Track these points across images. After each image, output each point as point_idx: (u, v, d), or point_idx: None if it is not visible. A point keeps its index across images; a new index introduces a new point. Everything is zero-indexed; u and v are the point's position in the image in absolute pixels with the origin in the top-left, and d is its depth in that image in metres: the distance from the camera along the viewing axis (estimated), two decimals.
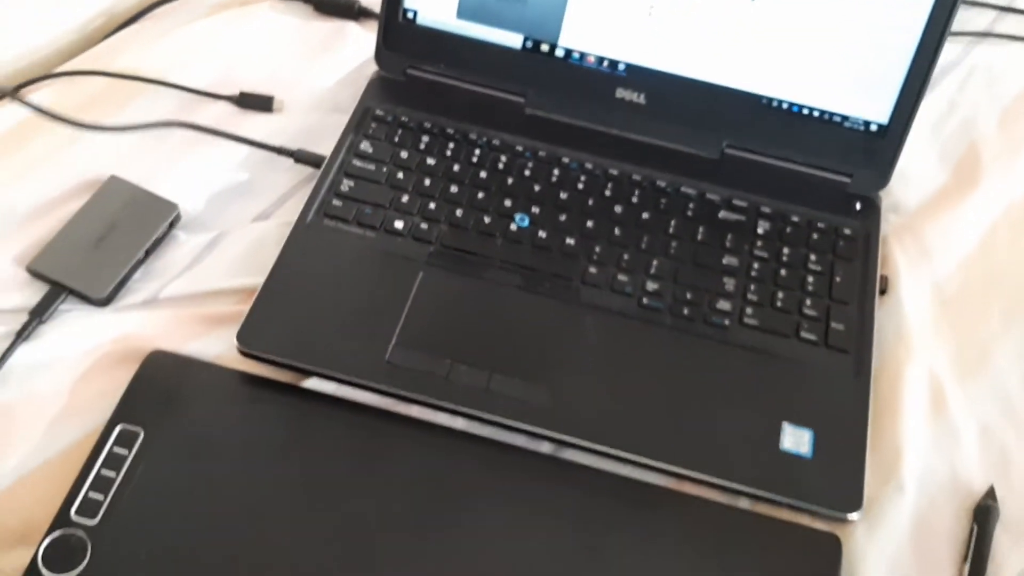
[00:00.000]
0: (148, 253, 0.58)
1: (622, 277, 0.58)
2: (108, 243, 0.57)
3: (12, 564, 0.47)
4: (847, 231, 0.62)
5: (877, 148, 0.63)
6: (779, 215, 0.62)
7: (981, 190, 0.66)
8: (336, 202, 0.60)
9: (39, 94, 0.67)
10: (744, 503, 0.52)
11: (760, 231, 0.61)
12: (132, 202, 0.59)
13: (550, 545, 0.49)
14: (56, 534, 0.47)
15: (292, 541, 0.48)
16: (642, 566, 0.49)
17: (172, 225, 0.59)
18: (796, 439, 0.53)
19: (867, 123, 0.63)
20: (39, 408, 0.52)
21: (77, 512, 0.48)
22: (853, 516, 0.51)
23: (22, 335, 0.54)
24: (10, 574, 0.46)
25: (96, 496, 0.48)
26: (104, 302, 0.56)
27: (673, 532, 0.50)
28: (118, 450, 0.50)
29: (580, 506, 0.51)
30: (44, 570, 0.46)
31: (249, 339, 0.54)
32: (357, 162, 0.62)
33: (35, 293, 0.56)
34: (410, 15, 0.65)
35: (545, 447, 0.53)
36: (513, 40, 0.65)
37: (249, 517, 0.49)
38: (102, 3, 0.74)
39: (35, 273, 0.56)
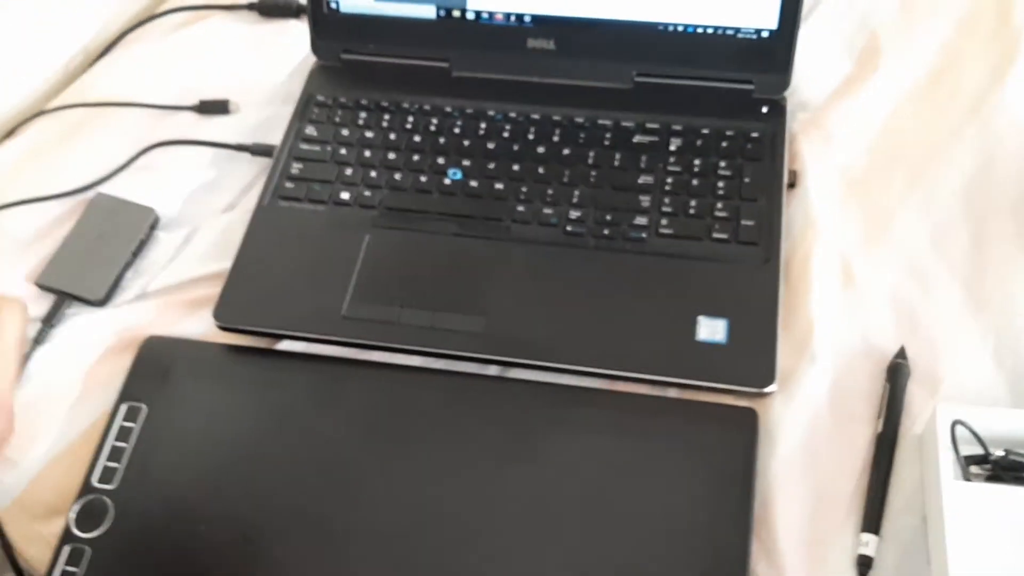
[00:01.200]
0: (135, 255, 0.66)
1: (547, 211, 0.64)
2: (100, 251, 0.66)
3: (51, 530, 0.56)
4: (754, 134, 0.67)
5: (772, 52, 0.67)
6: (690, 130, 0.67)
7: (881, 73, 0.69)
8: (288, 184, 0.67)
9: (32, 132, 0.75)
10: (673, 393, 0.58)
11: (672, 148, 0.67)
12: (116, 213, 0.67)
13: (503, 452, 0.56)
14: (83, 500, 0.56)
15: (283, 479, 0.56)
16: (581, 459, 0.55)
17: (153, 227, 0.67)
18: (711, 329, 0.58)
19: (758, 31, 0.67)
20: (58, 399, 0.61)
21: (99, 480, 0.57)
22: (769, 389, 0.56)
23: (38, 341, 0.63)
24: (50, 538, 0.55)
25: (112, 465, 0.57)
26: (102, 302, 0.64)
27: (609, 426, 0.56)
28: (127, 424, 0.59)
29: (525, 415, 0.57)
30: (77, 531, 0.55)
31: (224, 315, 0.62)
32: (304, 145, 0.69)
33: (44, 303, 0.65)
34: (334, 5, 0.72)
35: (492, 370, 0.60)
36: (427, 12, 0.71)
37: (244, 464, 0.57)
38: (77, 43, 0.82)
39: (42, 286, 0.65)
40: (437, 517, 0.54)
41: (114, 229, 0.66)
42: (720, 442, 0.55)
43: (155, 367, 0.61)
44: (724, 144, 0.66)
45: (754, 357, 0.57)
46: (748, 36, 0.67)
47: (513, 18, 0.70)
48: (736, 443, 0.55)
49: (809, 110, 0.69)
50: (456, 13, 0.70)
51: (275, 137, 0.72)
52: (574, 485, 0.54)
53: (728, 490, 0.53)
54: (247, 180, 0.71)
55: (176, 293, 0.65)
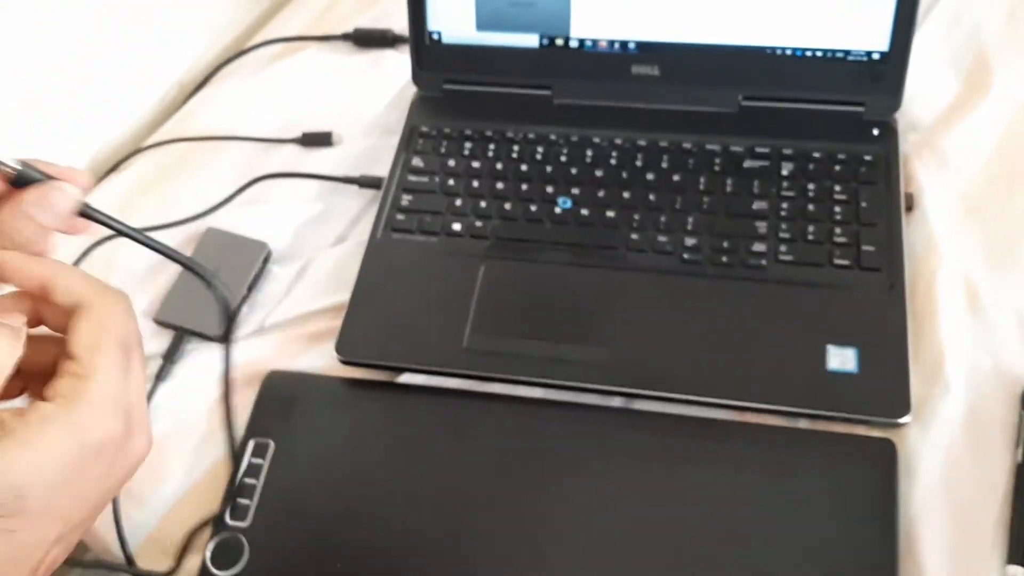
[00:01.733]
0: (250, 289, 0.67)
1: (662, 238, 0.64)
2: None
3: (187, 569, 0.56)
4: (867, 157, 0.66)
5: (883, 74, 0.67)
6: (801, 154, 0.67)
7: (992, 93, 0.69)
8: (399, 216, 0.68)
9: (135, 167, 0.76)
10: (803, 424, 0.57)
11: (785, 172, 0.66)
12: (229, 247, 0.68)
13: (632, 486, 0.56)
14: (217, 538, 0.56)
15: (415, 513, 0.56)
16: (718, 492, 0.55)
17: (266, 261, 0.68)
18: (841, 358, 0.58)
19: (869, 53, 0.66)
20: (184, 436, 0.62)
21: (231, 517, 0.57)
22: (904, 420, 0.56)
23: (160, 377, 0.64)
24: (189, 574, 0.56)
25: (244, 501, 0.58)
26: (221, 338, 0.65)
27: (741, 459, 0.56)
28: (255, 460, 0.59)
29: (654, 448, 0.57)
30: (214, 569, 0.55)
31: (346, 349, 0.62)
32: (412, 177, 0.70)
33: (163, 340, 0.65)
34: (435, 36, 0.72)
35: (616, 402, 0.60)
36: (530, 41, 0.71)
37: (376, 499, 0.57)
38: (171, 76, 0.83)
39: (160, 323, 0.66)
40: (573, 551, 0.54)
41: (228, 263, 0.67)
42: (860, 475, 0.54)
43: (279, 402, 0.61)
44: (837, 168, 0.66)
45: (887, 386, 0.57)
46: (859, 58, 0.67)
47: (617, 45, 0.70)
48: (876, 476, 0.54)
49: (920, 131, 0.69)
50: (559, 41, 0.71)
51: (378, 168, 0.72)
52: (712, 519, 0.54)
53: (872, 524, 0.53)
54: (355, 212, 0.71)
55: (294, 327, 0.65)
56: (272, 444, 0.60)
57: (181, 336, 0.65)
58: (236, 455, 0.59)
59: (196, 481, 0.60)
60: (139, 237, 0.46)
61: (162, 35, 0.81)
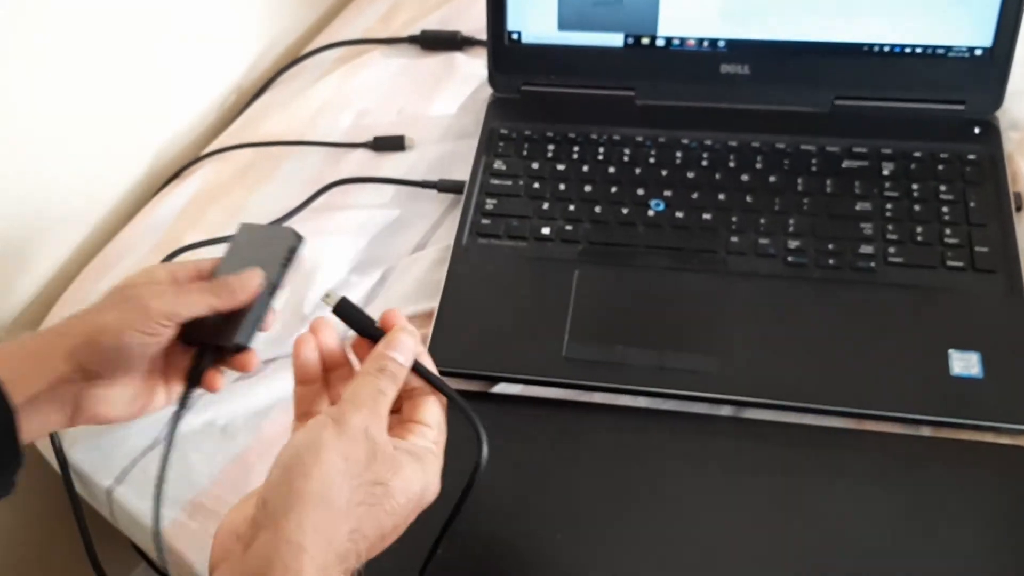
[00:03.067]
0: (280, 277, 0.55)
1: (763, 241, 0.62)
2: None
3: None
4: (971, 156, 0.64)
5: (985, 71, 0.65)
6: (901, 154, 0.65)
7: None
8: (485, 221, 0.65)
9: (198, 174, 0.74)
10: (926, 431, 0.55)
11: (886, 172, 0.64)
12: (261, 239, 0.56)
13: (747, 500, 0.53)
14: None
15: (517, 529, 0.53)
16: (842, 505, 0.52)
17: (294, 250, 0.56)
18: (965, 363, 0.55)
19: (971, 49, 0.64)
20: (268, 451, 0.58)
21: None
22: None
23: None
24: None
25: None
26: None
27: (863, 469, 0.53)
28: None
29: (769, 459, 0.54)
30: None
31: (438, 357, 0.58)
32: (495, 180, 0.67)
33: None
34: (515, 36, 0.70)
35: (725, 410, 0.57)
36: (615, 40, 0.69)
37: (474, 513, 0.53)
38: (230, 80, 0.81)
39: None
40: (686, 570, 0.51)
41: (259, 255, 0.55)
42: (995, 486, 0.52)
43: None
44: (941, 168, 0.64)
45: (1015, 392, 0.54)
46: (961, 55, 0.65)
47: (706, 43, 0.68)
48: (1013, 486, 0.52)
49: (1021, 129, 0.66)
50: (645, 40, 0.68)
51: (455, 172, 0.70)
52: (836, 534, 0.51)
53: (1013, 537, 0.50)
54: (434, 217, 0.68)
55: None
56: None
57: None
58: None
59: None
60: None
61: (218, 40, 0.79)
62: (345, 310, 0.49)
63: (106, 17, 0.68)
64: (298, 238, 0.56)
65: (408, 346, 0.47)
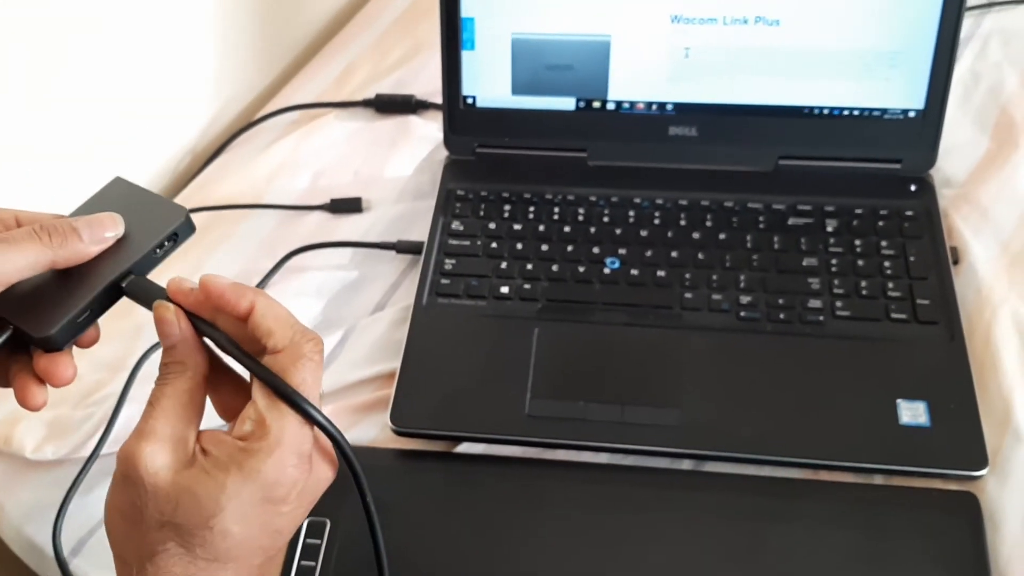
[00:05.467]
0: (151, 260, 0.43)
1: (716, 296, 0.63)
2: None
3: None
4: (909, 212, 0.67)
5: (919, 131, 0.68)
6: (843, 211, 0.67)
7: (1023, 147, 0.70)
8: (444, 280, 0.66)
9: None
10: (878, 479, 0.56)
11: (829, 228, 0.66)
12: (139, 205, 0.44)
13: (709, 550, 0.54)
14: None
15: None
16: (799, 554, 0.53)
17: (178, 234, 0.44)
18: (913, 412, 0.57)
19: (905, 111, 0.68)
20: None
21: None
22: (982, 472, 0.55)
23: None
24: None
25: None
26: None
27: (820, 517, 0.54)
28: (311, 541, 0.55)
29: (729, 510, 0.55)
30: None
31: (401, 419, 0.59)
32: (453, 241, 0.68)
33: None
34: (470, 101, 0.71)
35: (686, 464, 0.58)
36: (566, 104, 0.71)
37: (440, 573, 0.54)
38: (183, 144, 0.81)
39: None
40: None
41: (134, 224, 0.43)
42: (946, 530, 0.53)
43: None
44: (881, 223, 0.66)
45: (961, 439, 0.56)
46: (895, 116, 0.68)
47: (655, 107, 0.70)
48: (963, 530, 0.53)
49: (953, 186, 0.70)
50: (596, 104, 0.70)
51: (411, 233, 0.71)
52: None
53: None
54: (392, 278, 0.69)
55: (339, 398, 0.62)
56: (328, 523, 0.56)
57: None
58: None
59: None
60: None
61: (170, 103, 0.79)
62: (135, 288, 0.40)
63: (58, 79, 0.68)
64: (186, 220, 0.43)
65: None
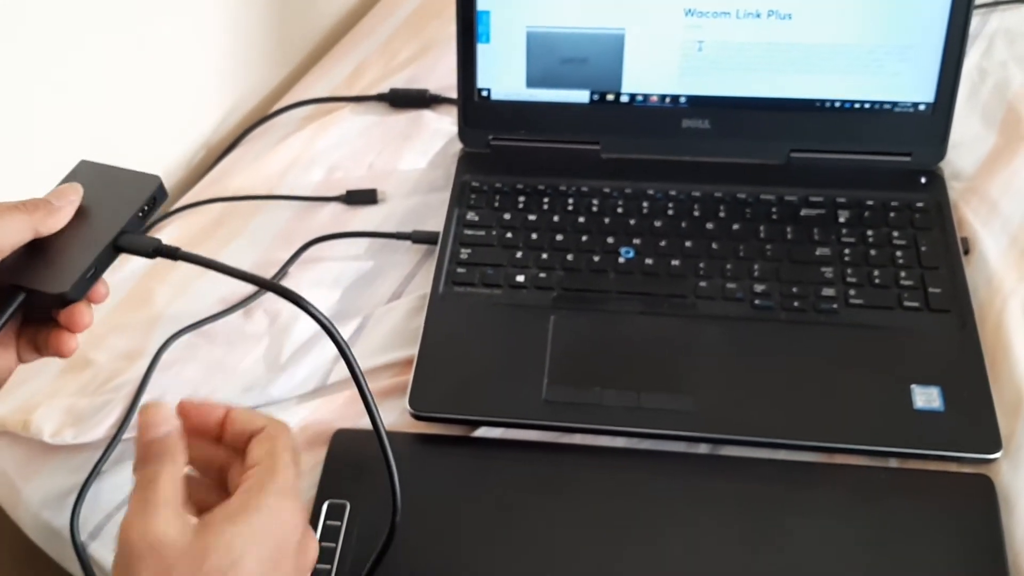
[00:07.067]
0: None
1: (731, 285, 0.64)
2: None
3: None
4: (919, 204, 0.68)
5: (929, 124, 0.69)
6: (855, 203, 0.68)
7: None
8: (460, 270, 0.66)
9: (168, 229, 0.74)
10: (893, 463, 0.57)
11: (842, 220, 0.67)
12: (109, 181, 0.48)
13: (726, 533, 0.54)
14: None
15: (500, 570, 0.53)
16: (817, 537, 0.53)
17: (155, 200, 0.48)
18: (927, 397, 0.58)
19: (915, 104, 0.69)
20: None
21: None
22: (996, 455, 0.56)
23: None
24: None
25: (323, 567, 0.54)
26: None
27: (836, 500, 0.55)
28: (331, 523, 0.56)
29: (746, 494, 0.56)
30: None
31: (420, 403, 0.60)
32: (468, 231, 0.69)
33: None
34: (484, 94, 0.72)
35: (702, 448, 0.58)
36: (580, 96, 0.71)
37: (460, 557, 0.54)
38: (199, 137, 0.82)
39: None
40: None
41: (108, 200, 0.48)
42: (961, 512, 0.54)
43: (350, 462, 0.59)
44: (892, 215, 0.67)
45: (975, 423, 0.57)
46: (906, 110, 0.69)
47: (668, 100, 0.71)
48: (978, 512, 0.54)
49: (962, 179, 0.71)
50: (610, 97, 0.71)
51: (425, 224, 0.71)
52: (813, 564, 0.52)
53: (980, 561, 0.52)
54: (408, 268, 0.69)
55: None
56: (348, 505, 0.56)
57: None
58: (311, 518, 0.56)
59: None
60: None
61: (184, 98, 0.80)
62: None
63: (72, 74, 0.68)
64: (160, 185, 0.48)
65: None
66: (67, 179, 0.48)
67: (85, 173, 0.48)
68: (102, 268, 0.45)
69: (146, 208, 0.47)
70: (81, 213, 0.46)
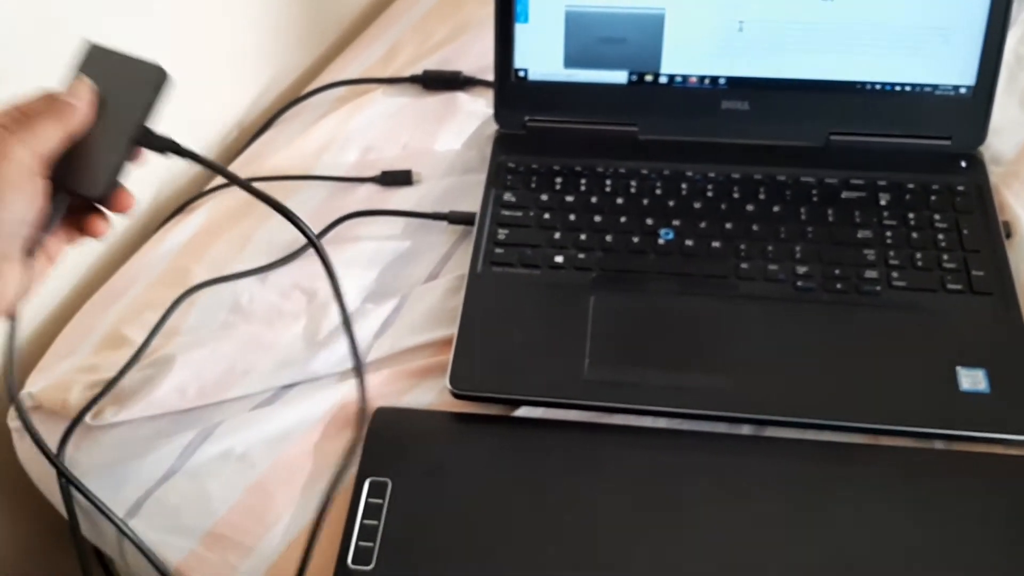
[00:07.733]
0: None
1: (772, 267, 0.64)
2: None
3: None
4: (960, 187, 0.67)
5: (970, 108, 0.68)
6: (895, 185, 0.68)
7: None
8: (498, 250, 0.66)
9: (202, 209, 0.74)
10: (939, 445, 0.56)
11: (883, 203, 0.67)
12: (117, 69, 0.51)
13: (771, 515, 0.54)
14: None
15: (541, 550, 0.53)
16: (862, 519, 0.53)
17: (159, 88, 0.50)
18: (972, 379, 0.57)
19: (956, 87, 0.68)
20: (288, 477, 0.58)
21: (353, 561, 0.53)
22: None
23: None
24: None
25: (366, 544, 0.54)
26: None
27: (881, 482, 0.55)
28: (373, 500, 0.56)
29: (791, 475, 0.55)
30: None
31: (461, 382, 0.59)
32: (505, 212, 0.68)
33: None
34: (521, 74, 0.72)
35: (745, 429, 0.58)
36: (618, 77, 0.71)
37: (501, 537, 0.54)
38: (231, 119, 0.82)
39: None
40: None
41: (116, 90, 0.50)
42: (1008, 494, 0.53)
43: (391, 440, 0.58)
44: (933, 198, 0.67)
45: (1020, 405, 0.56)
46: (947, 92, 0.68)
47: (707, 81, 0.70)
48: None
49: (1002, 164, 0.70)
50: (648, 78, 0.71)
51: (461, 205, 0.71)
52: (866, 547, 0.52)
53: None
54: (445, 248, 0.69)
55: (395, 363, 0.63)
56: (390, 483, 0.56)
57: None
58: (353, 496, 0.56)
59: (307, 524, 0.56)
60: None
61: (217, 78, 0.79)
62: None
63: None
64: (163, 75, 0.50)
65: None
66: (82, 68, 0.50)
67: (95, 61, 0.50)
68: (126, 162, 0.49)
69: (153, 97, 0.50)
70: (99, 107, 0.49)
